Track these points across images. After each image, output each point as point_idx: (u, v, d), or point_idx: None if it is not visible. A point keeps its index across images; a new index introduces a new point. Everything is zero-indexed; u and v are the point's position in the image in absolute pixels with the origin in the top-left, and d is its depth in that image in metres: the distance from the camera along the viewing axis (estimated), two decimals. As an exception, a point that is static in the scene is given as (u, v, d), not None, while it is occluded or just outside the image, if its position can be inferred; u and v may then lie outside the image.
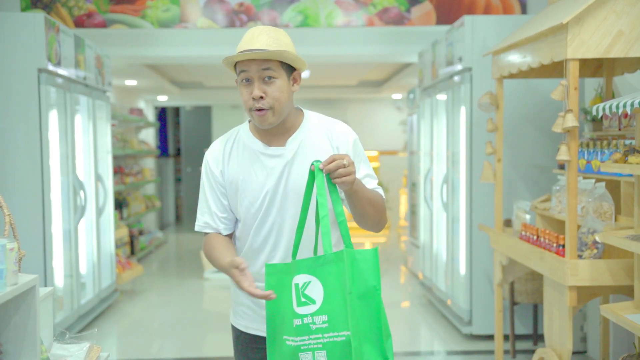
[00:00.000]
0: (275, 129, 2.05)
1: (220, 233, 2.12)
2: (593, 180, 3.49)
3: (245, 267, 1.87)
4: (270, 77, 1.97)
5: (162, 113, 13.84)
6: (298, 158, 2.03)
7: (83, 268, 5.60)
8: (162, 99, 11.91)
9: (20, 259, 2.03)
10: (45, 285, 4.52)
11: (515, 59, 3.72)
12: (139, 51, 6.60)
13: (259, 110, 1.98)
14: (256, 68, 1.96)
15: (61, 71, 4.95)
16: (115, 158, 8.04)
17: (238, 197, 2.07)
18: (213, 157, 2.11)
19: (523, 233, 3.72)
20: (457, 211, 5.31)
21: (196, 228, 2.14)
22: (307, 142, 2.06)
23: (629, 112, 2.69)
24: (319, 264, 1.85)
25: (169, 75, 9.61)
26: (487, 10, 6.42)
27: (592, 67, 4.01)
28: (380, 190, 2.11)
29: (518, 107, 4.85)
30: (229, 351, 4.67)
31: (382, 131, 12.68)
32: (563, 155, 3.11)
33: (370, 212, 2.03)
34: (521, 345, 4.80)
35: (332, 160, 1.85)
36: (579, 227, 3.37)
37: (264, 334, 2.08)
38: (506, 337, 4.78)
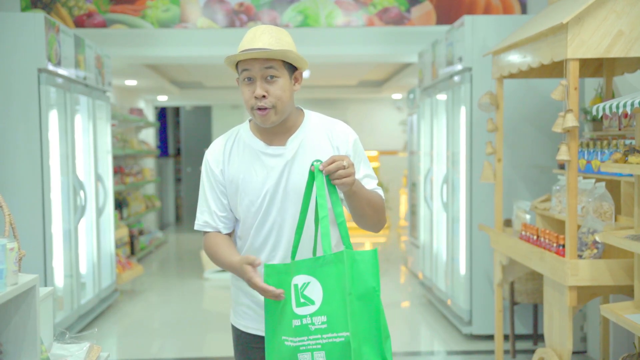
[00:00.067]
0: (276, 129, 2.06)
1: (219, 232, 2.12)
2: (593, 180, 3.49)
3: (260, 263, 1.89)
4: (272, 77, 1.97)
5: (162, 113, 13.84)
6: (298, 157, 2.03)
7: (83, 268, 5.60)
8: (162, 99, 11.92)
9: (20, 259, 2.03)
10: (45, 285, 4.52)
11: (515, 58, 3.72)
12: (139, 51, 6.60)
13: (261, 109, 1.98)
14: (259, 67, 1.96)
15: (61, 71, 4.95)
16: (115, 158, 8.05)
17: (238, 196, 2.07)
18: (213, 156, 2.12)
19: (523, 233, 3.72)
20: (457, 211, 5.31)
21: (196, 227, 2.14)
22: (307, 142, 2.06)
23: (629, 112, 2.69)
24: (318, 264, 1.85)
25: (169, 75, 9.61)
26: (487, 10, 6.42)
27: (592, 67, 4.01)
28: (380, 191, 2.11)
29: (518, 107, 4.85)
30: (229, 351, 4.66)
31: (382, 131, 12.68)
32: (563, 155, 3.11)
33: (370, 213, 2.03)
34: (521, 345, 4.80)
35: (332, 161, 1.86)
36: (579, 227, 3.37)
37: (264, 334, 2.08)
38: (506, 337, 4.78)
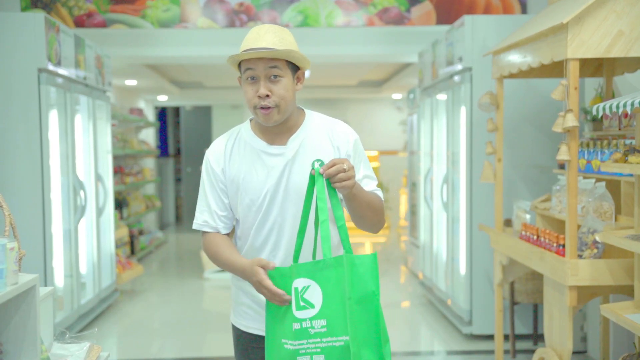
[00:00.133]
0: (277, 128, 2.06)
1: (219, 232, 2.12)
2: (593, 180, 3.49)
3: (274, 266, 1.91)
4: (276, 76, 1.98)
5: (162, 113, 13.85)
6: (299, 157, 2.04)
7: (83, 268, 5.60)
8: (162, 99, 11.92)
9: (20, 259, 2.03)
10: (46, 285, 4.52)
11: (515, 58, 3.72)
12: (139, 51, 6.61)
13: (264, 108, 1.98)
14: (263, 66, 1.97)
15: (61, 71, 4.95)
16: (115, 158, 8.05)
17: (239, 195, 2.07)
18: (214, 156, 2.12)
19: (523, 233, 3.72)
20: (457, 211, 5.31)
21: (194, 226, 2.14)
22: (308, 142, 2.06)
23: (629, 112, 2.69)
24: (318, 268, 1.86)
25: (169, 75, 9.61)
26: (487, 10, 6.42)
27: (592, 67, 4.01)
28: (379, 192, 2.11)
29: (518, 107, 4.85)
30: (229, 351, 4.67)
31: (382, 131, 12.68)
32: (563, 155, 3.11)
33: (369, 215, 2.04)
34: (521, 345, 4.80)
35: (332, 164, 1.86)
36: (579, 227, 3.37)
37: (264, 334, 2.08)
38: (506, 337, 4.78)
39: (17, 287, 1.89)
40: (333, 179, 1.87)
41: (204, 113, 13.59)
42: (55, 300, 4.86)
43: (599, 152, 3.47)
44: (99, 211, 5.95)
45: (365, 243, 10.08)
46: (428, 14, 6.50)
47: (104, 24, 6.43)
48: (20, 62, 4.63)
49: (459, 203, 5.23)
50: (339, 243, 2.04)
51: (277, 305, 1.90)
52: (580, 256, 3.21)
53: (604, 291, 3.23)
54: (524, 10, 6.37)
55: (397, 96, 11.96)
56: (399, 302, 6.48)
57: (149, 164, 10.92)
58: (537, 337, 4.75)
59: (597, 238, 3.13)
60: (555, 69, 4.07)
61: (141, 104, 11.06)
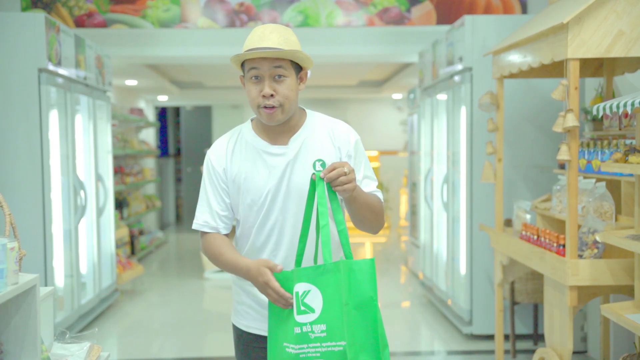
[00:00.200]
0: (278, 128, 2.06)
1: (219, 232, 2.12)
2: (593, 180, 3.49)
3: (282, 269, 1.91)
4: (280, 76, 1.98)
5: (162, 113, 13.85)
6: (300, 157, 2.04)
7: (83, 268, 5.60)
8: (163, 99, 11.92)
9: (20, 259, 2.04)
10: (46, 285, 4.52)
11: (515, 58, 3.72)
12: (139, 51, 6.61)
13: (268, 107, 1.98)
14: (268, 66, 1.97)
15: (61, 71, 4.95)
16: (116, 158, 8.05)
17: (240, 195, 2.07)
18: (216, 155, 2.12)
19: (523, 233, 3.72)
20: (457, 211, 5.30)
21: (194, 226, 2.13)
22: (309, 141, 2.07)
23: (629, 112, 2.69)
24: (318, 273, 1.86)
25: (169, 75, 9.61)
26: (488, 10, 6.42)
27: (593, 66, 4.01)
28: (379, 194, 2.12)
29: (518, 107, 4.85)
30: (229, 351, 4.67)
31: (382, 131, 12.68)
32: (563, 154, 3.11)
33: (369, 216, 2.05)
34: (521, 345, 4.80)
35: (332, 168, 1.87)
36: (579, 226, 3.37)
37: (265, 334, 2.09)
38: (506, 337, 4.78)
39: (17, 287, 1.89)
40: (334, 182, 1.87)
41: (204, 113, 13.59)
42: (56, 300, 4.86)
43: (600, 152, 3.47)
44: (99, 211, 5.95)
45: (366, 243, 10.08)
46: (428, 14, 6.50)
47: (104, 24, 6.43)
48: (21, 62, 4.63)
49: (459, 203, 5.23)
50: (338, 246, 2.04)
51: (281, 307, 1.90)
52: (580, 256, 3.21)
53: (604, 291, 3.23)
54: (524, 10, 6.37)
55: (397, 96, 11.96)
56: (399, 302, 6.48)
57: (149, 164, 10.92)
58: (537, 337, 4.75)
59: (598, 238, 3.13)
60: (556, 69, 4.07)
61: (141, 104, 11.06)
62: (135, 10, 6.44)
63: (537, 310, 4.72)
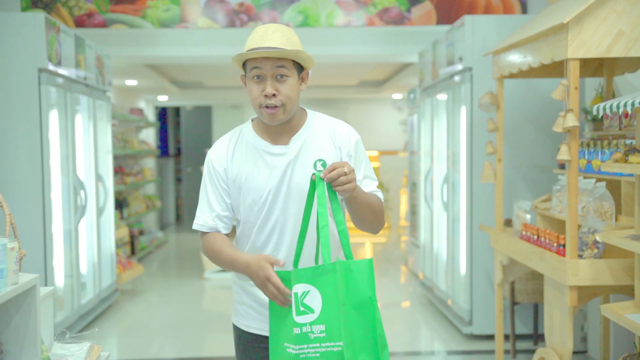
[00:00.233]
0: (279, 128, 2.06)
1: (219, 232, 2.12)
2: (593, 180, 3.49)
3: (284, 264, 1.92)
4: (282, 76, 1.99)
5: (162, 113, 13.85)
6: (301, 157, 2.04)
7: (83, 268, 5.60)
8: (163, 99, 11.92)
9: (20, 259, 2.04)
10: (46, 285, 4.52)
11: (515, 58, 3.72)
12: (139, 51, 6.61)
13: (270, 107, 1.98)
14: (270, 66, 1.97)
15: (61, 71, 4.95)
16: (116, 158, 8.05)
17: (241, 195, 2.07)
18: (216, 155, 2.12)
19: (523, 233, 3.72)
20: (457, 211, 5.30)
21: (194, 226, 2.13)
22: (310, 141, 2.07)
23: (629, 112, 2.69)
24: (317, 273, 1.86)
25: (169, 75, 9.61)
26: (488, 10, 6.42)
27: (593, 66, 4.01)
28: (379, 194, 2.12)
29: (518, 107, 4.85)
30: (229, 351, 4.67)
31: (382, 131, 12.68)
32: (563, 154, 3.11)
33: (369, 216, 2.05)
34: (522, 345, 4.80)
35: (333, 168, 1.87)
36: (579, 226, 3.37)
37: (266, 333, 2.09)
38: (506, 337, 4.78)
39: (17, 287, 1.89)
40: (334, 182, 1.87)
41: (204, 113, 13.59)
42: (56, 300, 4.86)
43: (600, 152, 3.47)
44: (99, 211, 5.95)
45: (366, 243, 10.08)
46: (428, 14, 6.50)
47: (104, 24, 6.43)
48: (21, 62, 4.63)
49: (459, 203, 5.23)
50: (338, 247, 2.04)
51: (279, 305, 1.89)
52: (580, 256, 3.21)
53: (604, 291, 3.23)
54: (524, 10, 6.37)
55: (397, 96, 11.96)
56: (399, 302, 6.48)
57: (149, 164, 10.92)
58: (537, 337, 4.75)
59: (598, 238, 3.13)
60: (556, 69, 4.07)
61: (141, 104, 11.06)
62: (135, 10, 6.44)
63: (537, 310, 4.72)
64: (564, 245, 3.23)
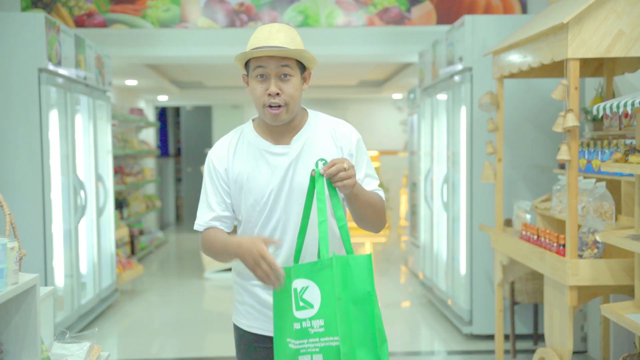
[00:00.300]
0: (281, 128, 2.07)
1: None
2: (593, 180, 3.49)
3: (281, 244, 1.96)
4: (286, 75, 1.99)
5: (162, 113, 13.84)
6: (303, 156, 2.04)
7: (83, 268, 5.60)
8: (163, 99, 11.92)
9: (20, 259, 2.04)
10: (46, 285, 4.52)
11: (515, 58, 3.72)
12: (139, 51, 6.61)
13: (274, 106, 1.98)
14: (274, 65, 1.97)
15: (61, 71, 4.95)
16: (116, 158, 8.05)
17: (242, 195, 2.07)
18: (217, 156, 2.11)
19: (523, 233, 3.72)
20: (457, 211, 5.30)
21: (195, 227, 2.13)
22: (311, 141, 2.07)
23: (629, 112, 2.69)
24: (316, 269, 1.87)
25: (169, 75, 9.61)
26: (488, 10, 6.42)
27: (593, 66, 4.01)
28: (381, 192, 2.12)
29: (518, 107, 4.85)
30: (229, 351, 4.67)
31: (382, 131, 12.68)
32: (563, 154, 3.11)
33: (370, 214, 2.04)
34: (522, 345, 4.80)
35: (332, 164, 1.87)
36: (579, 226, 3.37)
37: (267, 333, 2.10)
38: (506, 337, 4.78)
39: (17, 287, 1.89)
40: (334, 178, 1.87)
41: (204, 113, 13.59)
42: (56, 300, 4.86)
43: (600, 152, 3.47)
44: (99, 211, 5.95)
45: (366, 243, 10.07)
46: (428, 14, 6.50)
47: (104, 24, 6.43)
48: (21, 62, 4.63)
49: (459, 203, 5.23)
50: (340, 243, 2.05)
51: (271, 285, 1.87)
52: (580, 256, 3.21)
53: (604, 291, 3.23)
54: (524, 10, 6.37)
55: (397, 96, 11.96)
56: (399, 302, 6.48)
57: (149, 164, 10.92)
58: (537, 337, 4.75)
59: (598, 238, 3.13)
60: (556, 69, 4.07)
61: (141, 104, 11.06)
62: (135, 10, 6.44)
63: (537, 310, 4.72)
64: (564, 245, 3.23)
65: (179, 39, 6.52)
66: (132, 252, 8.29)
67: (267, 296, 2.08)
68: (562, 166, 4.12)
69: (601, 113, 2.89)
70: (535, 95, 4.85)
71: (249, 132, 2.12)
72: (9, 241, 1.87)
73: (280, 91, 1.98)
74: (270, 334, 2.08)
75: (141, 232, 9.03)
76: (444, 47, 5.43)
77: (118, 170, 7.96)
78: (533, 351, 4.51)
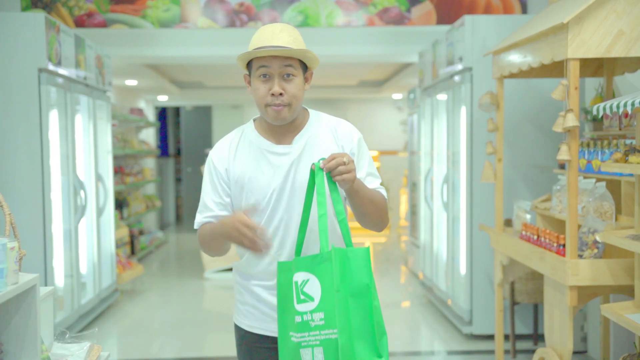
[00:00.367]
0: (282, 128, 2.07)
1: None
2: (593, 180, 3.49)
3: (261, 208, 1.93)
4: (289, 75, 1.99)
5: (162, 113, 13.84)
6: (305, 156, 2.05)
7: (83, 268, 5.60)
8: (162, 99, 11.92)
9: (20, 259, 2.04)
10: (46, 285, 4.52)
11: (515, 58, 3.72)
12: (139, 51, 6.61)
13: (276, 106, 1.98)
14: (278, 65, 1.97)
15: (61, 71, 4.95)
16: (116, 158, 8.05)
17: (243, 195, 2.07)
18: (218, 156, 2.11)
19: (523, 233, 3.72)
20: (457, 211, 5.30)
21: (195, 226, 2.14)
22: (313, 141, 2.07)
23: (629, 112, 2.69)
24: (316, 262, 1.87)
25: (169, 75, 9.61)
26: (488, 10, 6.42)
27: (593, 66, 4.01)
28: (383, 191, 2.12)
29: (518, 107, 4.85)
30: (229, 351, 4.67)
31: (382, 131, 12.68)
32: (563, 154, 3.11)
33: (372, 212, 2.04)
34: (521, 345, 4.80)
35: (331, 158, 1.88)
36: (579, 226, 3.37)
37: (268, 334, 2.10)
38: (506, 337, 4.78)
39: (17, 287, 1.89)
40: (333, 172, 1.88)
41: (204, 113, 13.59)
42: (56, 300, 4.86)
43: (600, 152, 3.47)
44: (99, 211, 5.95)
45: (366, 242, 10.07)
46: (428, 14, 6.50)
47: (104, 24, 6.43)
48: (21, 62, 4.63)
49: (459, 203, 5.23)
50: (341, 238, 2.05)
51: (260, 251, 1.87)
52: (580, 256, 3.21)
53: (604, 291, 3.23)
54: (524, 10, 6.37)
55: (397, 96, 11.96)
56: (399, 302, 6.48)
57: (149, 164, 10.92)
58: (537, 337, 4.75)
59: (598, 238, 3.13)
60: (556, 69, 4.07)
61: (141, 104, 11.05)
62: (135, 10, 6.44)
63: (537, 310, 4.72)
64: (564, 245, 3.23)
65: (179, 39, 6.52)
66: (132, 252, 8.29)
67: (269, 296, 2.08)
68: (562, 166, 4.12)
69: (601, 113, 2.89)
70: (535, 95, 4.85)
71: (250, 132, 2.12)
72: (9, 241, 1.87)
73: (283, 91, 1.98)
74: (271, 334, 2.09)
75: (141, 232, 9.03)
76: (444, 47, 5.43)
77: (118, 170, 7.96)
78: (533, 351, 4.51)
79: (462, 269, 5.14)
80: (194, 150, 13.42)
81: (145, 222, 9.92)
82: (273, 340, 2.09)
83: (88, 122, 5.75)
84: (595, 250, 3.20)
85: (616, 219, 3.39)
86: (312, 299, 1.85)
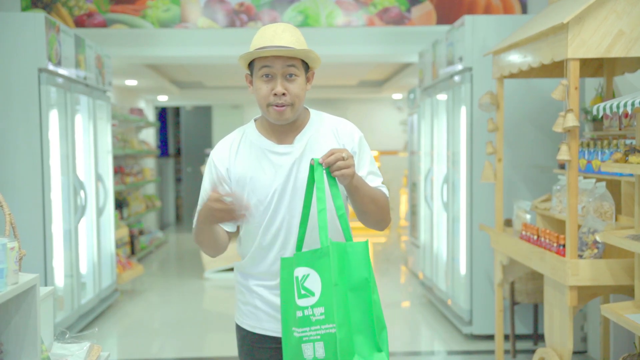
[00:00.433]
0: (284, 127, 2.07)
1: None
2: (593, 180, 3.49)
3: (233, 194, 1.90)
4: (292, 75, 1.99)
5: (162, 113, 13.85)
6: (306, 155, 2.05)
7: (83, 268, 5.60)
8: (163, 99, 11.92)
9: (20, 259, 2.03)
10: (46, 285, 4.52)
11: (515, 58, 3.72)
12: (139, 51, 6.61)
13: (279, 106, 1.98)
14: (281, 65, 1.97)
15: (61, 71, 4.95)
16: (116, 158, 8.05)
17: (244, 195, 2.07)
18: (218, 156, 2.11)
19: (523, 233, 3.72)
20: (457, 211, 5.30)
21: (193, 225, 2.14)
22: (314, 140, 2.07)
23: (629, 112, 2.69)
24: (316, 257, 1.87)
25: (169, 75, 9.61)
26: (488, 10, 6.42)
27: (593, 66, 4.01)
28: (384, 189, 2.11)
29: (518, 107, 4.85)
30: (229, 351, 4.67)
31: (382, 131, 12.68)
32: (563, 154, 3.11)
33: (372, 209, 2.03)
34: (521, 345, 4.80)
35: (330, 153, 1.88)
36: (579, 226, 3.37)
37: (270, 334, 2.10)
38: (506, 337, 4.78)
39: (17, 287, 1.89)
40: (332, 167, 1.88)
41: (204, 113, 13.59)
42: (56, 300, 4.86)
43: (600, 152, 3.47)
44: (99, 211, 5.95)
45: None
46: (428, 14, 6.50)
47: (104, 24, 6.43)
48: (21, 62, 4.63)
49: (459, 203, 5.23)
50: (341, 234, 2.04)
51: (241, 217, 1.88)
52: (580, 256, 3.21)
53: (604, 291, 3.23)
54: (524, 10, 6.37)
55: (397, 96, 11.96)
56: (399, 302, 6.48)
57: (149, 164, 10.92)
58: (537, 337, 4.75)
59: (598, 238, 3.13)
60: (556, 69, 4.07)
61: (141, 104, 11.06)
62: (135, 10, 6.44)
63: (537, 310, 4.72)
64: (564, 245, 3.23)
65: (179, 39, 6.52)
66: (132, 252, 8.29)
67: (270, 296, 2.08)
68: (562, 166, 4.12)
69: (601, 113, 2.89)
70: (535, 95, 4.85)
71: (252, 132, 2.12)
72: (9, 241, 1.87)
73: (286, 91, 1.98)
74: (273, 334, 2.09)
75: (141, 232, 9.03)
76: (444, 47, 5.43)
77: (118, 170, 7.96)
78: (533, 351, 4.51)
79: (462, 269, 5.14)
80: (194, 150, 13.42)
81: (145, 222, 9.92)
82: (275, 340, 2.09)
83: (88, 122, 5.75)
84: (595, 251, 3.20)
85: (616, 219, 3.40)
86: (312, 294, 1.85)
